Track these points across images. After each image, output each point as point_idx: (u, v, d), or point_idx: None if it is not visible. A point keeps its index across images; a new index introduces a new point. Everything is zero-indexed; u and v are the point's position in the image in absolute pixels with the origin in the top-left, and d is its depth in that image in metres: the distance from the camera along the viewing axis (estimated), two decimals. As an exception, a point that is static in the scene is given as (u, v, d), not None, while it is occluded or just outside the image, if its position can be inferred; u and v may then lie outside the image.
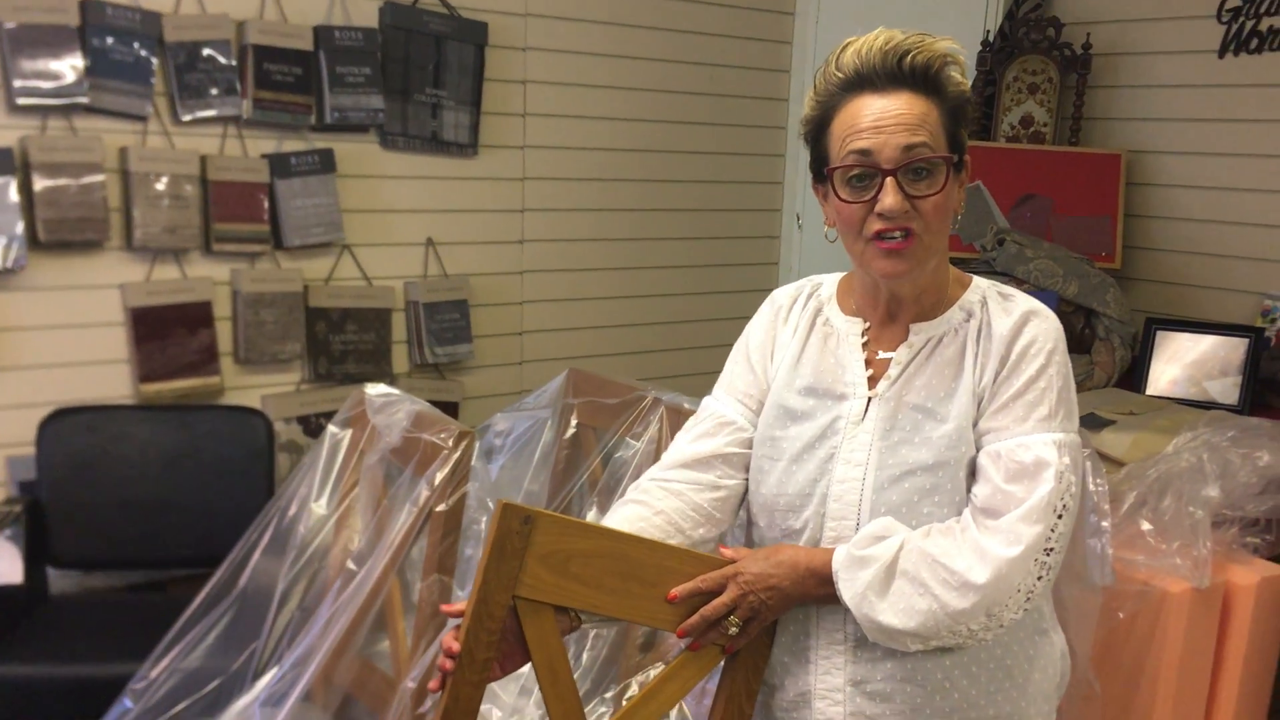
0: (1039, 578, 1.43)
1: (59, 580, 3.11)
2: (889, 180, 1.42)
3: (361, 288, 3.72)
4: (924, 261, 1.47)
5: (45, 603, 2.91)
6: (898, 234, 1.44)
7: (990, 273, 3.57)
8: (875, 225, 1.44)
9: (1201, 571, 2.67)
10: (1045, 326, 1.50)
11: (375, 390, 2.19)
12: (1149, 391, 3.51)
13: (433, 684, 1.45)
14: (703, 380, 1.77)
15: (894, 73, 1.43)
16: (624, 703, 1.66)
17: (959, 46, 1.48)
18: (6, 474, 3.22)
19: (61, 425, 2.97)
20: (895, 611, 1.42)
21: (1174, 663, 2.73)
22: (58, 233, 3.10)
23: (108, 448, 2.99)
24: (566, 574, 1.45)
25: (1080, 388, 3.57)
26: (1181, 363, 3.51)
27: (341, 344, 3.70)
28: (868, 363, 1.56)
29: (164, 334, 3.35)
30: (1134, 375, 3.56)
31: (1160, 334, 3.50)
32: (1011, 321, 1.50)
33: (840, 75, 1.46)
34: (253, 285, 3.46)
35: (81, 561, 2.99)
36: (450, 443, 1.98)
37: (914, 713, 1.49)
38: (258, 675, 2.13)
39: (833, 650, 1.52)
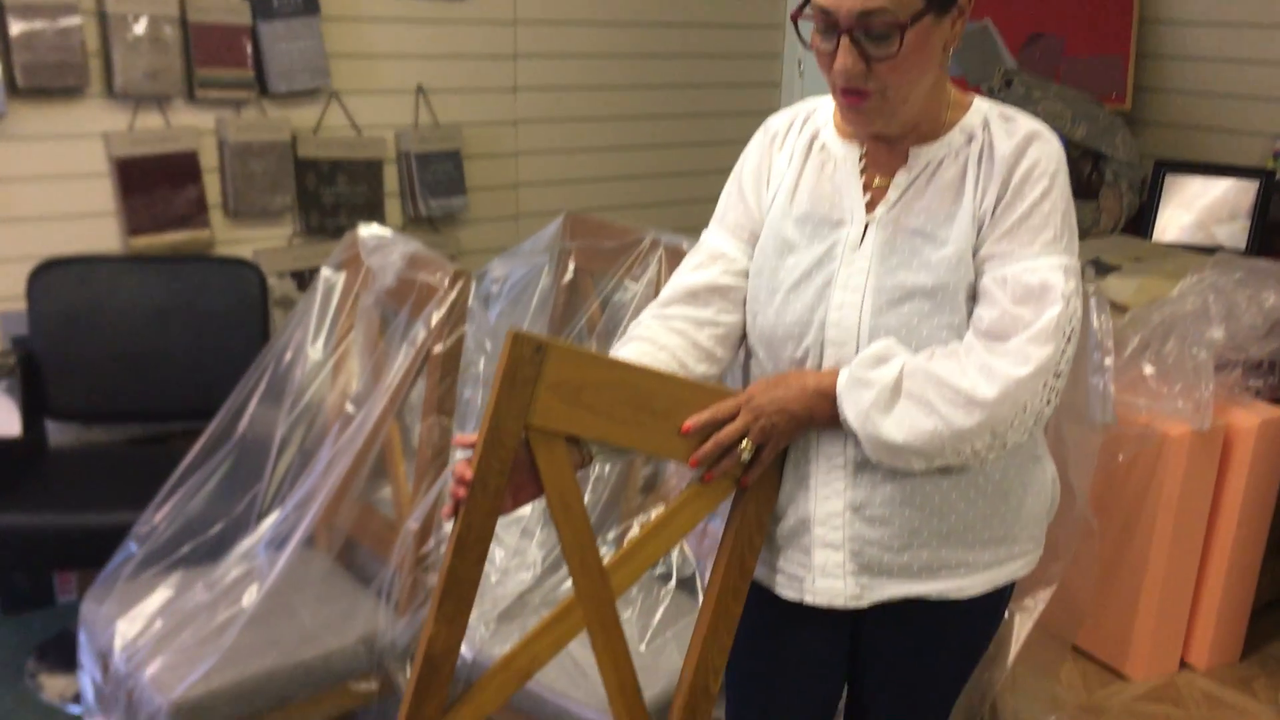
0: (1047, 401, 1.41)
1: (57, 434, 3.10)
2: (843, 40, 1.37)
3: (351, 138, 3.62)
4: (888, 115, 1.43)
5: (45, 455, 2.91)
6: (853, 93, 1.40)
7: (997, 116, 3.48)
8: (837, 81, 1.41)
9: (1203, 414, 2.66)
10: (1048, 149, 1.45)
11: (368, 232, 2.13)
12: (1156, 238, 3.46)
13: (445, 510, 1.45)
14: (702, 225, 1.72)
15: None
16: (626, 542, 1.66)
17: None
18: (0, 330, 3.20)
19: (51, 277, 2.92)
20: (899, 429, 1.41)
21: (1172, 504, 2.75)
22: (36, 78, 3.00)
23: (100, 300, 2.94)
24: (578, 404, 1.43)
25: (1085, 234, 3.53)
26: (1190, 207, 3.45)
27: (333, 196, 3.62)
28: (865, 188, 1.51)
29: (151, 185, 3.27)
30: (1141, 221, 3.51)
31: (1169, 177, 3.43)
32: (1014, 144, 1.45)
33: None
34: (239, 134, 3.37)
35: (79, 414, 2.97)
36: (446, 283, 1.94)
37: (911, 535, 1.49)
38: (260, 518, 2.13)
39: (832, 476, 1.51)
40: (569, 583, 2.22)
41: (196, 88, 3.28)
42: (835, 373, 1.46)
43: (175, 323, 2.96)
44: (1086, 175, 3.44)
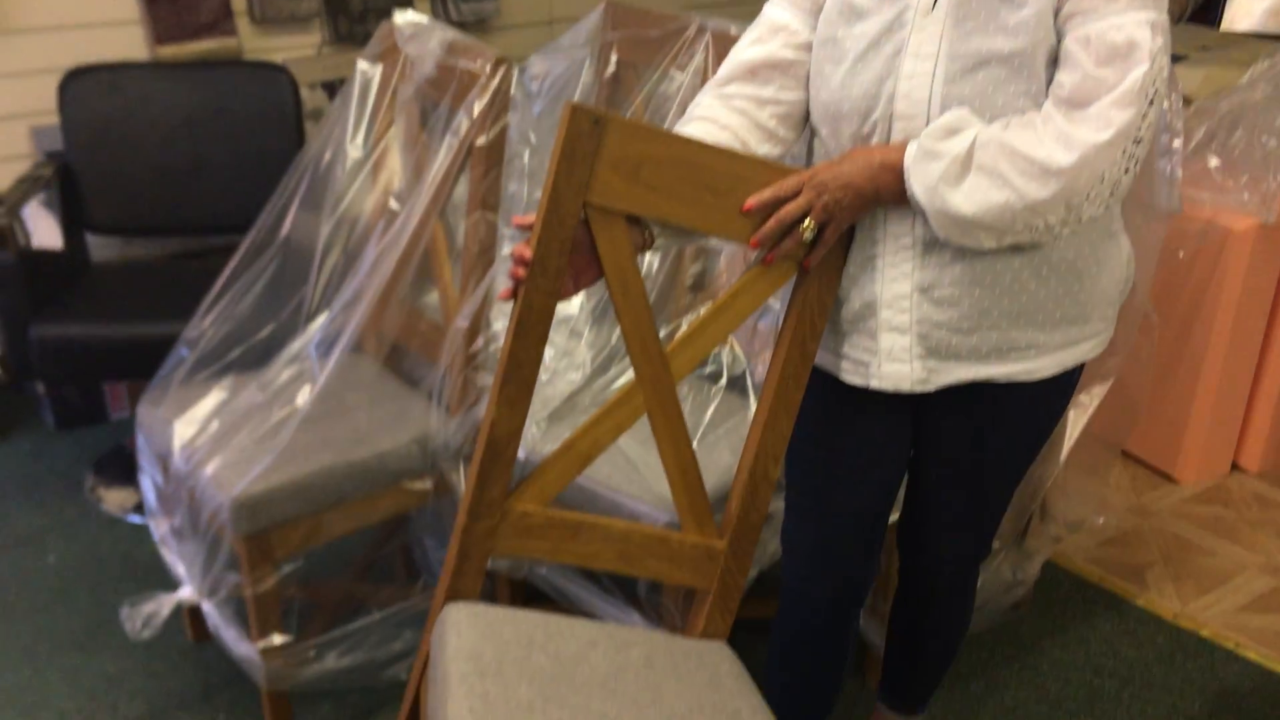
0: (1125, 170, 1.34)
1: (99, 250, 3.09)
2: None
3: (379, -62, 3.47)
4: None
5: (88, 270, 2.90)
6: None
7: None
8: None
9: (1269, 205, 2.57)
10: None
11: (404, 19, 2.04)
12: (1224, 27, 3.29)
13: (503, 293, 1.42)
14: (753, 10, 1.63)
15: None
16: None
17: None
18: (33, 145, 3.15)
19: (82, 85, 2.85)
20: (969, 202, 1.35)
21: (1232, 302, 2.68)
22: (49, -124, 2.87)
23: (132, 109, 2.88)
24: (638, 181, 1.38)
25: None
26: (1262, -7, 3.27)
27: (361, 1, 3.50)
28: None
29: (175, -9, 3.17)
30: (1208, 9, 3.33)
31: (1241, -38, 3.24)
32: None
33: None
34: (263, -64, 3.24)
35: (118, 228, 2.95)
36: (487, 70, 1.85)
37: (981, 316, 1.45)
38: (308, 321, 2.12)
39: (900, 257, 1.46)
40: (619, 382, 2.22)
41: (216, -115, 3.13)
42: (903, 146, 1.39)
43: (209, 131, 2.90)
44: (1153, -38, 3.25)
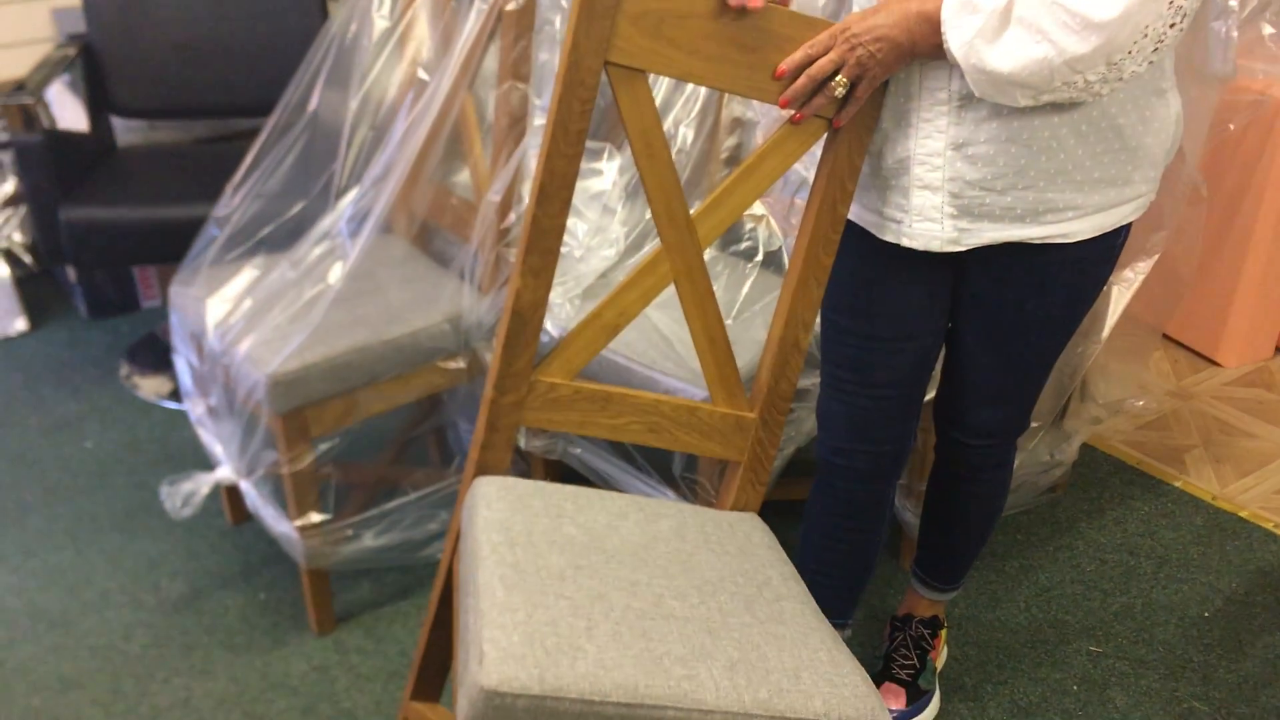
0: (1171, 24, 1.27)
1: (125, 134, 3.06)
2: None
3: None
4: None
5: (114, 153, 2.87)
6: None
7: None
8: None
9: (1327, 77, 2.48)
10: None
11: (429, -119, 1.97)
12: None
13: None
14: None
15: None
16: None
17: None
18: (55, 28, 3.11)
19: (101, -35, 2.80)
20: (1006, 57, 1.29)
21: (1283, 177, 2.61)
22: None
23: (152, -13, 2.82)
24: (660, 37, 1.33)
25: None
26: None
27: (383, -120, 3.40)
28: None
29: None
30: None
31: None
32: None
33: None
34: None
35: (143, 110, 2.91)
36: (518, -68, 1.79)
37: (1017, 175, 1.40)
38: (338, 197, 2.09)
39: (935, 112, 1.40)
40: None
41: None
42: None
43: (232, 9, 2.83)
44: None
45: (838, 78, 1.37)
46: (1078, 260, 1.51)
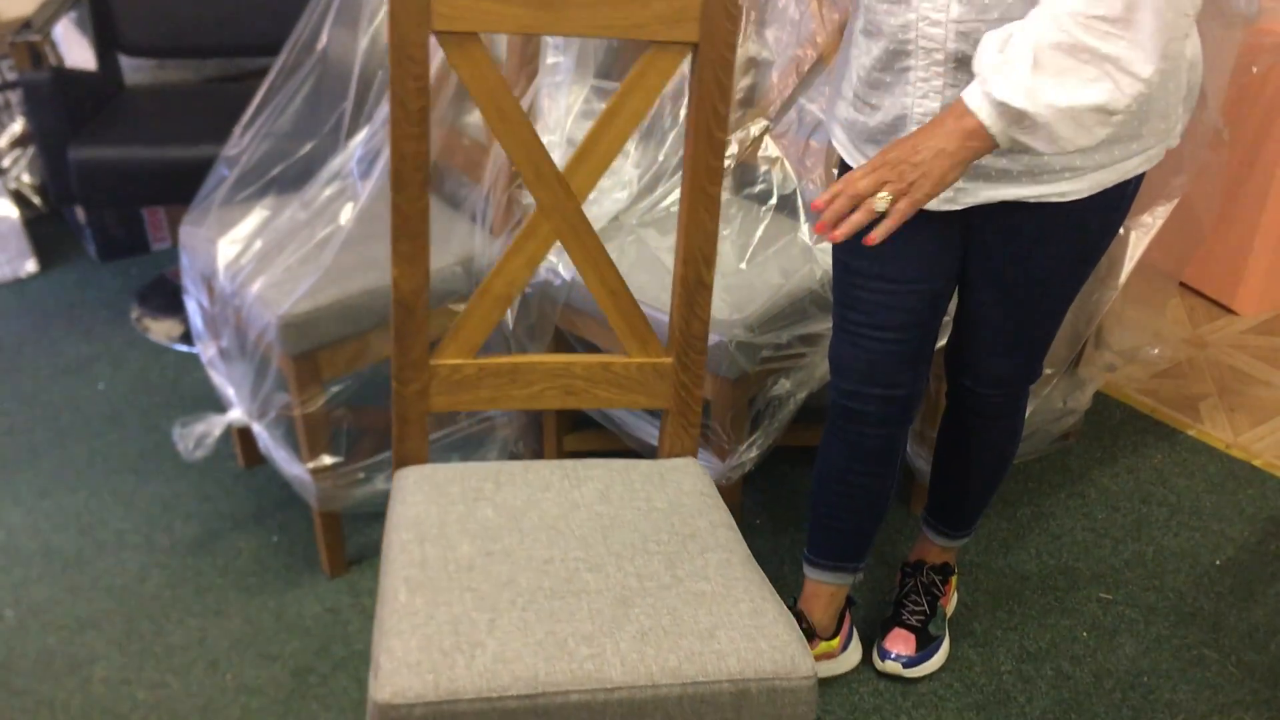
0: None
1: (133, 73, 3.03)
2: None
3: None
4: None
5: (122, 92, 2.84)
6: None
7: None
8: None
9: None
10: None
11: None
12: None
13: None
14: None
15: None
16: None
17: None
18: (59, -32, 3.07)
19: (107, -100, 2.75)
20: (1073, 91, 1.22)
21: (1305, 123, 2.57)
22: None
23: (159, -77, 2.78)
24: None
25: None
26: None
27: None
28: None
29: None
30: None
31: None
32: None
33: None
34: None
35: (151, 48, 2.87)
36: None
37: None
38: (348, 137, 2.06)
39: (931, 72, 1.38)
40: (665, 201, 2.17)
41: None
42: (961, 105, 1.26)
43: (240, -52, 2.80)
44: None
45: (880, 193, 1.29)
46: (1080, 216, 1.48)
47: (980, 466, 1.86)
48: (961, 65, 1.37)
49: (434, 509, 1.40)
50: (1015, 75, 1.22)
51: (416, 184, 1.35)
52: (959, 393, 1.78)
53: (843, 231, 1.29)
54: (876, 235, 1.28)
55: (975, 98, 1.25)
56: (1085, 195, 1.45)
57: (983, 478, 1.88)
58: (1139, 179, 1.51)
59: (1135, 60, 1.21)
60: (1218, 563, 2.17)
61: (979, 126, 1.25)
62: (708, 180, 1.43)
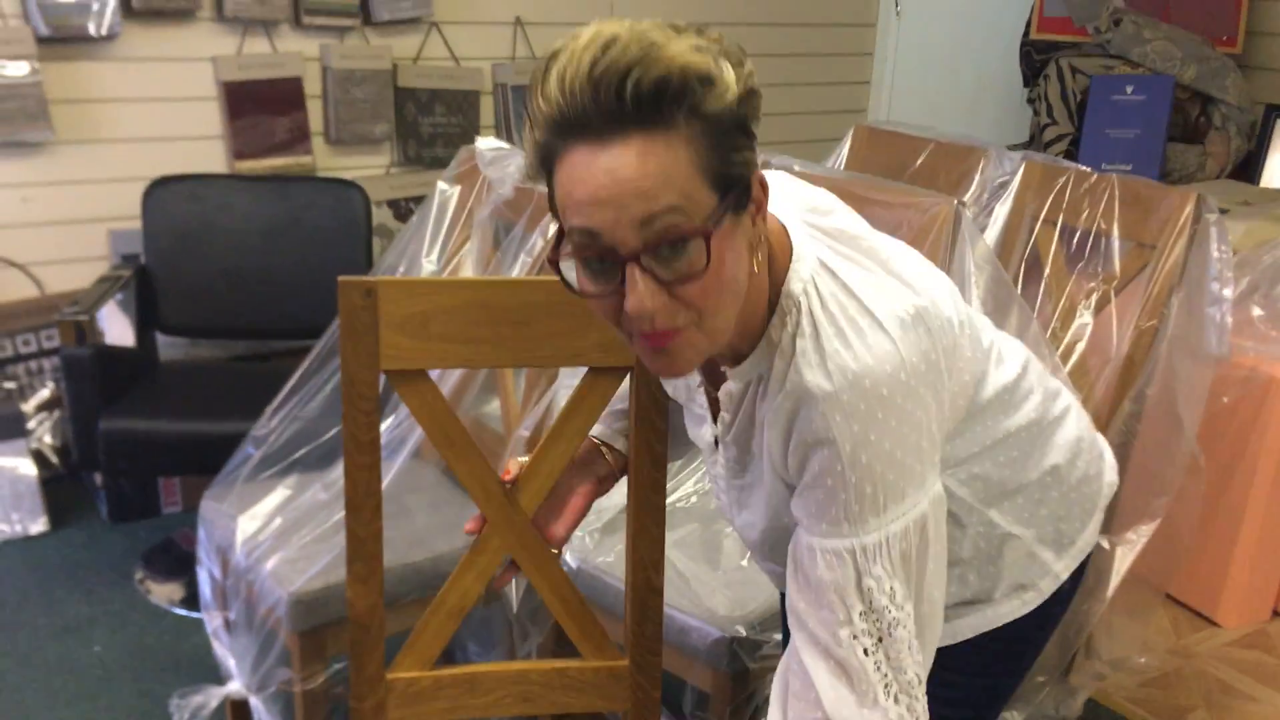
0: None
1: (167, 349, 3.19)
2: (631, 270, 0.99)
3: (450, 68, 3.66)
4: (708, 351, 1.08)
5: (155, 368, 3.00)
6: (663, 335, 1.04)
7: (1104, 55, 3.42)
8: (634, 325, 1.03)
9: (1312, 356, 2.62)
10: (847, 414, 1.06)
11: (486, 144, 2.16)
12: (1264, 183, 3.39)
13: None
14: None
15: (613, 111, 0.96)
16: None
17: (713, 40, 1.01)
18: (109, 247, 3.29)
19: (165, 193, 3.00)
20: None
21: (1275, 449, 2.72)
22: (150, 0, 3.07)
23: (210, 217, 3.02)
24: (429, 336, 1.37)
25: (1190, 179, 3.46)
26: (1301, 152, 3.37)
27: (430, 126, 3.67)
28: (709, 392, 1.28)
29: (256, 110, 3.34)
30: (1249, 166, 3.43)
31: (1281, 122, 3.36)
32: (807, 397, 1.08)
33: (546, 111, 0.99)
34: (342, 62, 3.43)
35: (188, 329, 3.06)
36: (564, 194, 1.96)
37: None
38: (374, 424, 2.18)
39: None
40: (671, 497, 2.26)
41: (303, 14, 3.33)
42: None
43: (282, 242, 3.03)
44: (1194, 119, 3.37)
45: None
46: (958, 662, 1.34)
47: None
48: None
49: None
50: None
51: (369, 509, 1.42)
52: None
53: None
54: None
55: None
56: (945, 644, 1.29)
57: None
58: (1024, 620, 1.35)
59: None
60: None
61: None
62: (652, 491, 1.49)
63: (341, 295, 1.34)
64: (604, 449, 1.47)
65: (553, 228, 1.94)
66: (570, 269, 1.06)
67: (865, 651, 1.09)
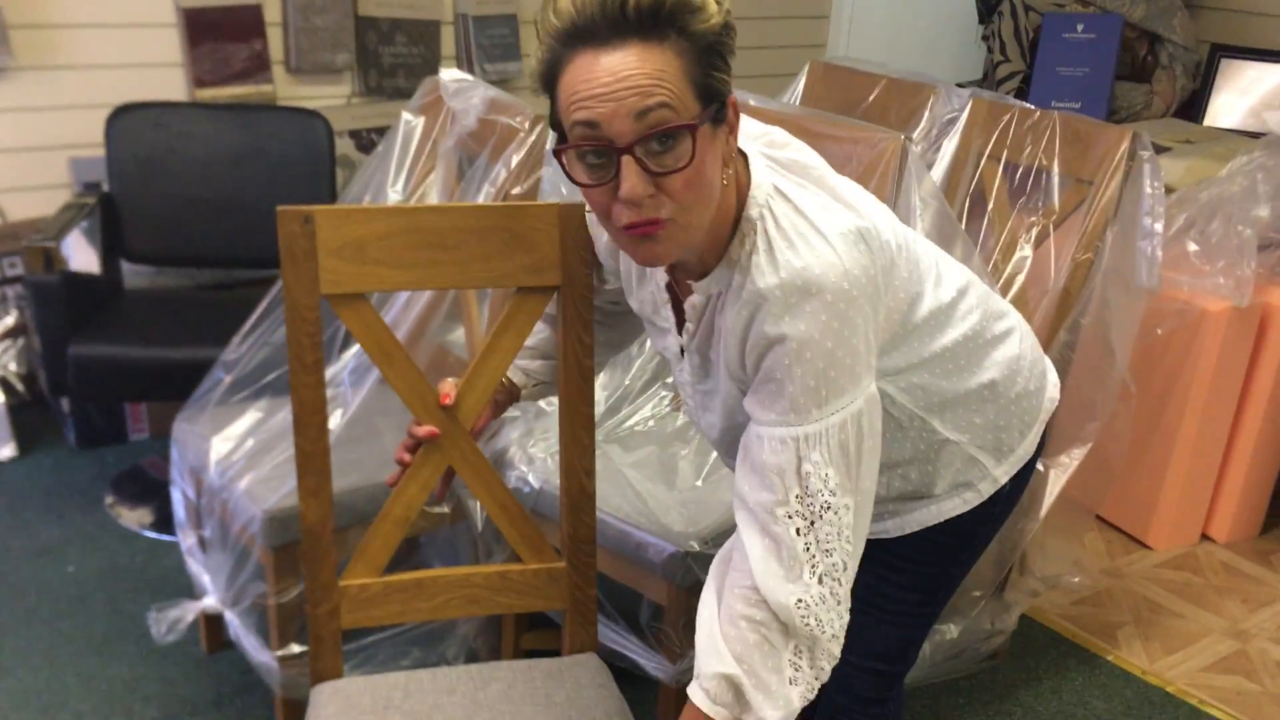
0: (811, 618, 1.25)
1: (132, 277, 3.22)
2: (625, 160, 1.15)
3: (411, -2, 3.66)
4: (685, 244, 1.23)
5: (121, 295, 3.03)
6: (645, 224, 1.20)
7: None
8: (623, 217, 1.19)
9: (1243, 290, 2.74)
10: (804, 320, 1.21)
11: (450, 75, 2.20)
12: (1207, 122, 3.49)
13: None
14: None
15: (617, 21, 1.13)
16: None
17: None
18: (71, 175, 3.30)
19: (129, 120, 3.01)
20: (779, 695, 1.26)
21: (1206, 379, 2.84)
22: (110, -75, 3.05)
23: (174, 145, 3.04)
24: (366, 260, 1.44)
25: (1137, 117, 3.56)
26: (1244, 93, 3.47)
27: (391, 56, 3.68)
28: (677, 303, 1.41)
29: (216, 37, 3.35)
30: (1193, 105, 3.53)
31: (1225, 63, 3.45)
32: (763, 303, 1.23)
33: (557, 24, 1.16)
34: (304, -10, 3.42)
35: (153, 257, 3.09)
36: (526, 125, 2.01)
37: None
38: (342, 349, 2.25)
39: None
40: (630, 421, 2.35)
41: (263, -60, 3.32)
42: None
43: (245, 170, 3.05)
44: (1142, 58, 3.46)
45: None
46: (907, 549, 1.52)
47: None
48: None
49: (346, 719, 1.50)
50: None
51: (315, 426, 1.50)
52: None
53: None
54: None
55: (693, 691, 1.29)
56: (895, 535, 1.50)
57: None
58: (990, 502, 1.51)
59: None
60: (1134, 785, 2.29)
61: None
62: (581, 401, 1.60)
63: (281, 223, 1.41)
64: (503, 379, 1.60)
65: (516, 158, 2.01)
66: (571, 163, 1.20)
67: (797, 531, 1.23)
